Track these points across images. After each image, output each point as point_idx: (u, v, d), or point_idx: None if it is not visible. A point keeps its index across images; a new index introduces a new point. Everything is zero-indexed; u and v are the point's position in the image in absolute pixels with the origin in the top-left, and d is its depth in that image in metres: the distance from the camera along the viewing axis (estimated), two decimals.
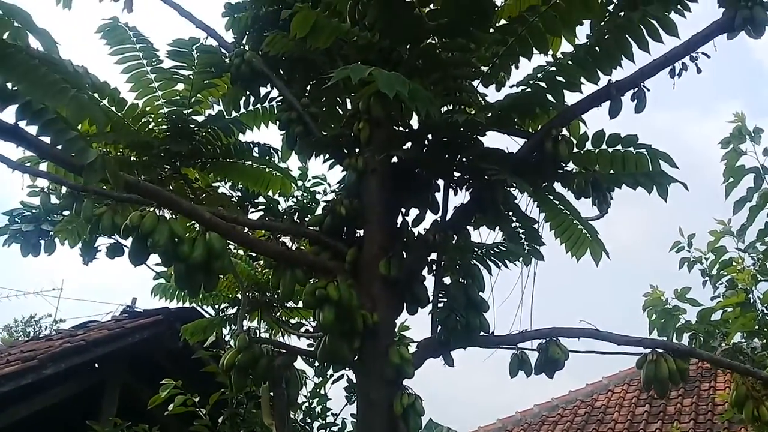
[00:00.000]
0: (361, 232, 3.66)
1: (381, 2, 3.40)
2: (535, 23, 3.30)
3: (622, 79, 3.40)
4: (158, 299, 5.99)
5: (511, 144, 3.87)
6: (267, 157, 4.40)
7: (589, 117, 3.73)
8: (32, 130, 2.37)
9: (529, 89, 3.27)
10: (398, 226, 3.71)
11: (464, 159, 3.61)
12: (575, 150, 3.55)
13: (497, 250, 3.42)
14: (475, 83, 3.84)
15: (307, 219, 4.16)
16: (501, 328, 3.70)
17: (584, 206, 4.01)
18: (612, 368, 13.99)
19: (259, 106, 4.45)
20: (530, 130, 3.88)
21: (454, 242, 3.51)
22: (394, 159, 3.75)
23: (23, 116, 2.08)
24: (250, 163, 4.48)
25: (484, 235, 3.91)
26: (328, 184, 6.32)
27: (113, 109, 3.97)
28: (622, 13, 3.42)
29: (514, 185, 3.38)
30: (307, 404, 7.66)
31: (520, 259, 3.82)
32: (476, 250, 3.44)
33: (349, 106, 4.20)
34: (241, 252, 6.65)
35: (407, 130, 3.78)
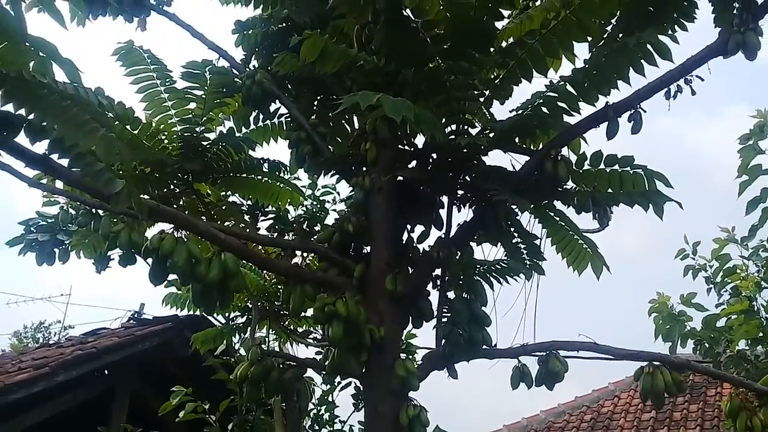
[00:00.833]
0: (368, 248, 3.83)
1: (387, 26, 3.58)
2: (534, 47, 3.48)
3: (619, 102, 3.56)
4: (169, 308, 6.21)
5: (512, 161, 4.05)
6: (276, 172, 4.57)
7: (593, 133, 3.91)
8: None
9: (529, 112, 3.43)
10: (404, 242, 3.89)
11: (467, 178, 3.78)
12: (574, 169, 3.71)
13: (499, 267, 3.59)
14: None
15: (316, 229, 4.33)
16: (504, 339, 3.88)
17: (585, 218, 4.19)
18: (618, 374, 14.12)
19: (268, 122, 4.64)
20: (531, 147, 4.05)
21: (457, 258, 3.68)
22: (400, 177, 3.93)
23: (54, 150, 2.25)
24: (260, 177, 4.66)
25: (486, 251, 4.10)
26: (338, 194, 6.52)
27: (128, 127, 4.16)
28: (619, 37, 3.60)
29: (515, 205, 3.55)
30: (315, 411, 7.82)
31: (522, 274, 4.00)
32: (479, 266, 3.61)
33: (356, 124, 4.38)
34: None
35: (412, 149, 3.95)
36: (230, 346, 7.00)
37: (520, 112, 3.44)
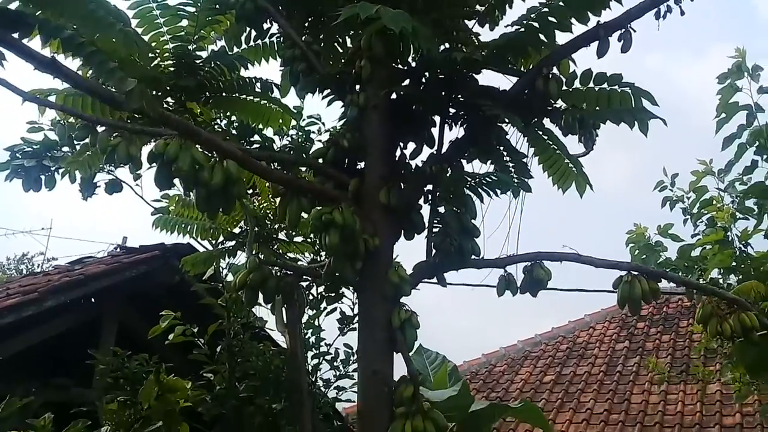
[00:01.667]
0: (363, 164, 3.96)
1: None
2: None
3: (610, 21, 3.67)
4: (159, 231, 6.32)
5: (504, 85, 4.17)
6: (268, 92, 4.64)
7: (584, 58, 4.02)
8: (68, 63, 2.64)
9: (522, 29, 3.54)
10: (397, 159, 4.02)
11: (460, 96, 3.90)
12: (564, 88, 3.84)
13: (488, 180, 3.75)
14: (470, 23, 4.11)
15: (311, 152, 4.43)
16: (490, 254, 4.07)
17: (571, 144, 4.34)
18: (594, 306, 14.61)
19: (260, 42, 4.68)
20: (522, 69, 4.17)
21: (448, 174, 3.84)
22: (394, 96, 4.03)
23: (67, 49, 2.33)
24: (251, 98, 4.72)
25: (476, 169, 4.25)
26: (323, 124, 6.62)
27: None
28: None
29: (507, 120, 3.68)
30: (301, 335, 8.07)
31: (510, 192, 4.17)
32: (469, 180, 3.77)
33: (348, 44, 4.44)
34: None
35: (406, 68, 4.05)
36: (218, 272, 7.15)
37: (513, 28, 3.54)
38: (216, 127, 5.08)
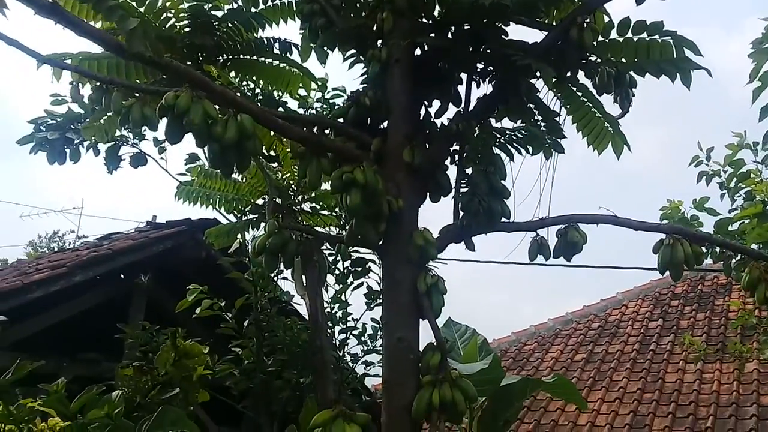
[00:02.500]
0: (386, 124, 3.75)
1: None
2: None
3: None
4: (181, 202, 6.18)
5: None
6: (287, 54, 4.44)
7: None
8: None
9: None
10: (421, 118, 3.80)
11: (488, 50, 3.65)
12: (600, 39, 3.58)
13: (519, 135, 3.50)
14: None
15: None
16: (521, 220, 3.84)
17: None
18: (627, 284, 14.25)
19: (277, 1, 4.47)
20: (554, 23, 3.90)
21: (476, 132, 3.60)
22: (417, 51, 3.81)
23: None
24: (270, 60, 4.53)
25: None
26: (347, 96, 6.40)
27: (134, 3, 4.02)
28: None
29: (538, 75, 3.43)
30: (328, 310, 7.94)
31: (542, 153, 3.93)
32: (498, 136, 3.53)
33: None
34: (262, 159, 6.78)
35: (430, 21, 3.81)
36: (243, 245, 7.03)
37: None
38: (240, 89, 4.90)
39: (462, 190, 3.64)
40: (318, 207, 6.49)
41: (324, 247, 7.76)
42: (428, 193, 3.68)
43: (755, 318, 8.14)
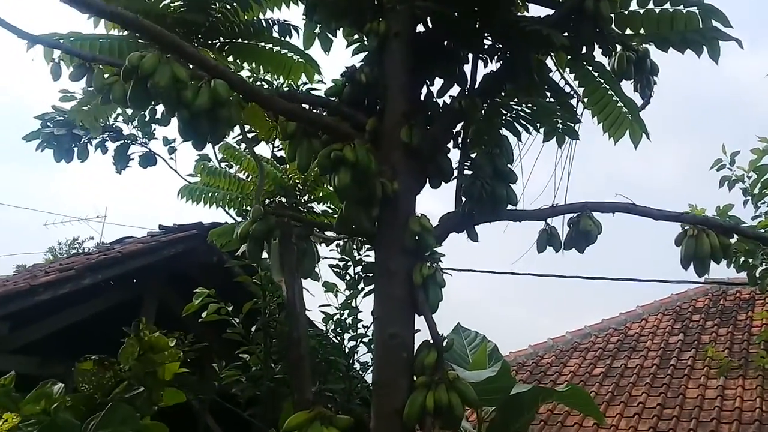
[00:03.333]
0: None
1: None
2: None
3: None
4: (184, 201, 5.85)
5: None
6: (287, 37, 4.10)
7: None
8: None
9: None
10: (422, 98, 3.41)
11: (495, 22, 3.26)
12: (619, 11, 3.18)
13: (528, 110, 3.08)
14: None
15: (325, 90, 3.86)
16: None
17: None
18: (647, 298, 13.69)
19: None
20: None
21: (482, 112, 3.21)
22: (420, 28, 3.44)
23: None
24: (270, 46, 4.19)
25: None
26: None
27: None
28: None
29: (551, 41, 3.00)
30: (338, 316, 7.55)
31: (554, 139, 3.51)
32: (505, 113, 3.12)
33: None
34: (267, 155, 6.44)
35: None
36: None
37: None
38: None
39: (465, 174, 3.22)
40: (331, 208, 6.14)
41: (330, 248, 7.43)
42: (428, 179, 3.28)
43: None
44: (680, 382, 10.58)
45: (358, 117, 3.25)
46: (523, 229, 3.54)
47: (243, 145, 5.92)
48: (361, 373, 7.66)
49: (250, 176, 5.81)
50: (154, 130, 7.05)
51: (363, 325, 7.45)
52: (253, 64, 4.36)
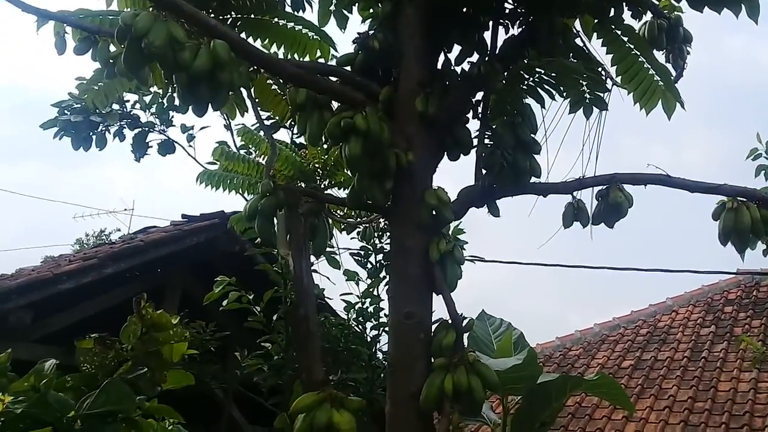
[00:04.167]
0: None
1: None
2: None
3: None
4: (203, 187, 5.72)
5: None
6: (300, 11, 3.91)
7: None
8: None
9: None
10: (440, 66, 3.19)
11: None
12: None
13: (552, 73, 2.84)
14: None
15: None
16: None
17: None
18: (677, 290, 13.28)
19: None
20: None
21: (503, 78, 2.98)
22: None
23: None
24: (284, 22, 4.00)
25: None
26: None
27: None
28: None
29: (577, 5, 2.78)
30: (359, 304, 7.39)
31: (581, 110, 3.27)
32: (527, 77, 2.88)
33: None
34: (287, 140, 6.28)
35: None
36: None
37: None
38: None
39: (485, 145, 3.00)
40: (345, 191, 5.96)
41: (351, 236, 7.25)
42: (446, 151, 3.06)
43: None
44: (712, 375, 10.22)
45: (372, 87, 3.05)
46: (550, 214, 3.30)
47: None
48: (383, 362, 7.50)
49: None
50: (172, 117, 6.94)
51: (385, 314, 7.28)
52: (267, 41, 4.20)
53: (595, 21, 3.07)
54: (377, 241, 6.96)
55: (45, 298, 7.12)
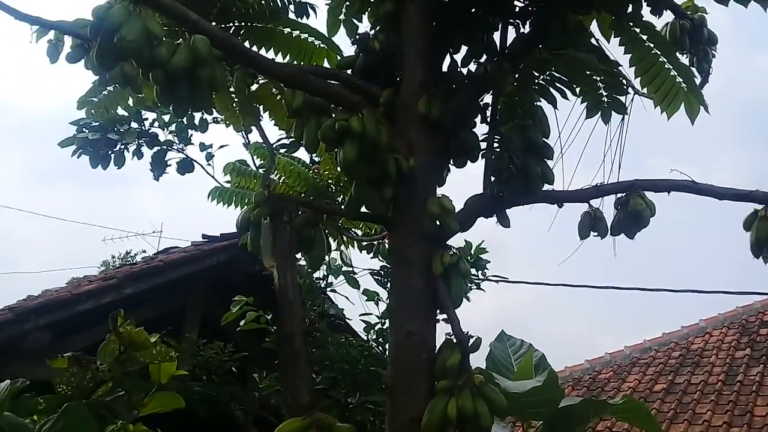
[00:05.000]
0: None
1: None
2: None
3: None
4: (215, 203, 5.55)
5: None
6: (304, 17, 3.73)
7: None
8: None
9: None
10: (445, 68, 2.97)
11: None
12: None
13: (565, 71, 2.58)
14: None
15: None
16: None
17: None
18: (710, 311, 12.73)
19: None
20: None
21: (513, 78, 2.73)
22: None
23: None
24: (288, 30, 3.83)
25: None
26: None
27: None
28: None
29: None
30: (379, 325, 7.17)
31: (599, 115, 3.01)
32: (538, 75, 2.63)
33: None
34: (305, 158, 6.09)
35: None
36: None
37: None
38: None
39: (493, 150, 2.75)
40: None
41: (371, 256, 7.01)
42: (451, 158, 2.81)
43: None
44: (748, 399, 9.73)
45: (372, 89, 2.83)
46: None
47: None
48: None
49: (282, 177, 5.47)
50: (191, 135, 6.82)
51: None
52: (271, 50, 4.03)
53: (612, 18, 2.81)
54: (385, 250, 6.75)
55: (64, 318, 7.00)
